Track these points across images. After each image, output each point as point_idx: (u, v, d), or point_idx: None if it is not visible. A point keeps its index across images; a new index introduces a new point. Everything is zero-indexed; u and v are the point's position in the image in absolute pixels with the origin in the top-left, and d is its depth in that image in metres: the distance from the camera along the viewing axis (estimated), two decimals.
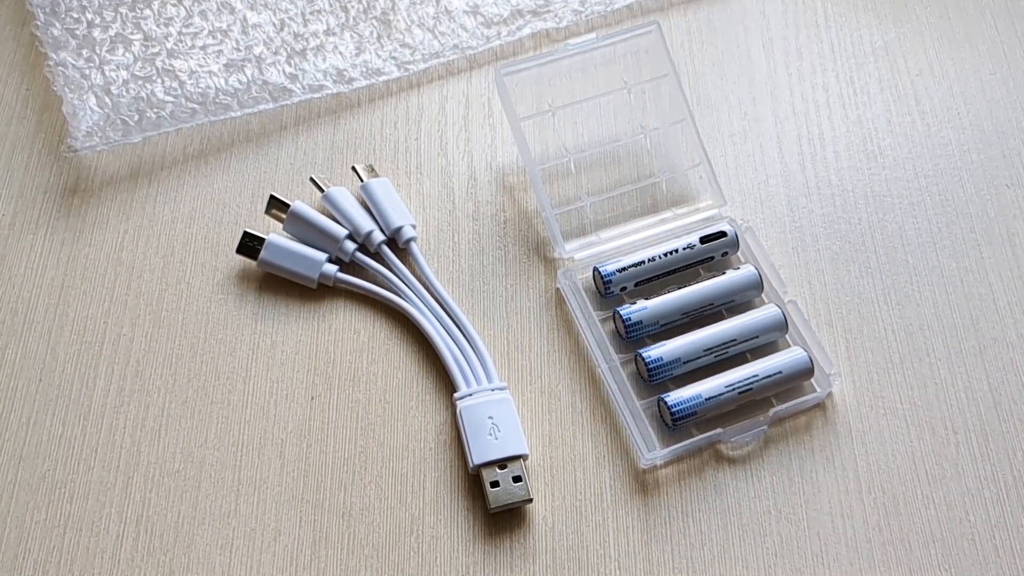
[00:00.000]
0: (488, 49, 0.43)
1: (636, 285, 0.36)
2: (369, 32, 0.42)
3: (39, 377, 0.36)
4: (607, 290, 0.36)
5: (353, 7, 0.43)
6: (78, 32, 0.41)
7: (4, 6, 0.44)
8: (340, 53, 0.42)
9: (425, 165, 0.40)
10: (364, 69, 0.42)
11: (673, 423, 0.33)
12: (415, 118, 0.41)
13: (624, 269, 0.36)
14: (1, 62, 0.43)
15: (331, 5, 0.43)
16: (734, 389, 0.34)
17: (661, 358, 0.34)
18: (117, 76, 0.40)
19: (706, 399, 0.34)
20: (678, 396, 0.34)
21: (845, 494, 0.33)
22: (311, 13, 0.43)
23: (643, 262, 0.36)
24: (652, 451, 0.33)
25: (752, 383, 0.34)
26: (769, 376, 0.34)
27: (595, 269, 0.37)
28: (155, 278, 0.38)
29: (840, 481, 0.34)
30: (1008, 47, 0.43)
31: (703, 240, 0.37)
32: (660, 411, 0.34)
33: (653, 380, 0.34)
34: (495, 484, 0.33)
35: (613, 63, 0.39)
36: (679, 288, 0.36)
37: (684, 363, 0.34)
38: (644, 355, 0.34)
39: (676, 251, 0.37)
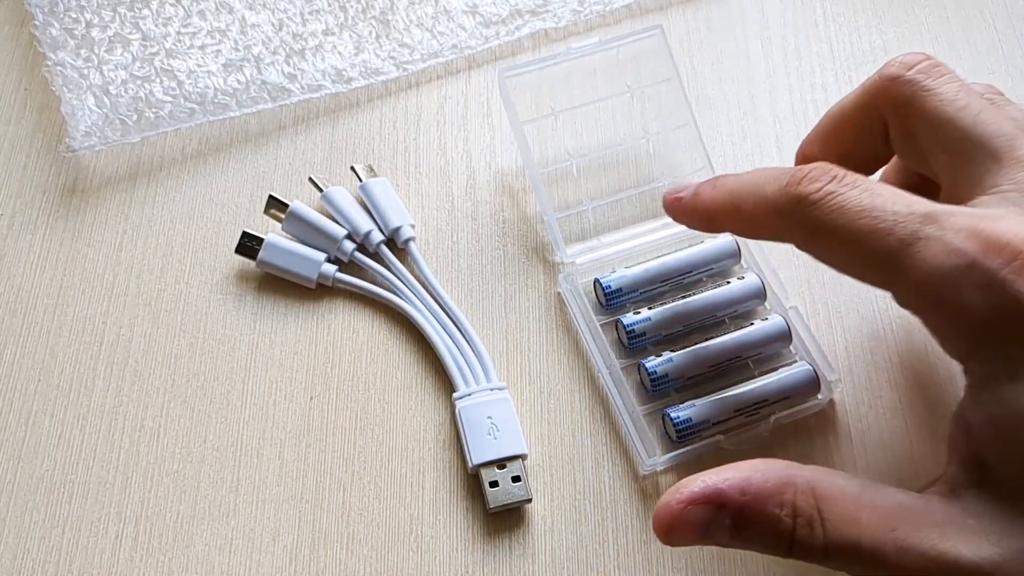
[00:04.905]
0: (487, 49, 0.43)
1: (638, 294, 0.36)
2: (368, 32, 0.42)
3: (38, 377, 0.35)
4: (608, 301, 0.36)
5: (352, 7, 0.43)
6: (76, 32, 0.41)
7: (3, 6, 0.44)
8: (339, 53, 0.42)
9: (424, 165, 0.40)
10: (363, 69, 0.42)
11: (678, 437, 0.33)
12: (414, 118, 0.41)
13: (626, 281, 0.36)
14: None
15: (330, 5, 0.43)
16: (742, 413, 0.34)
17: (667, 374, 0.34)
18: (116, 76, 0.40)
19: (713, 424, 0.33)
20: (683, 414, 0.33)
21: None
22: (310, 13, 0.42)
23: (646, 272, 0.36)
24: (652, 458, 0.33)
25: (761, 406, 0.34)
26: (778, 401, 0.34)
27: (596, 281, 0.36)
28: (154, 278, 0.38)
29: None
30: (1007, 47, 0.43)
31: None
32: (664, 423, 0.34)
33: (656, 390, 0.34)
34: (494, 484, 0.33)
35: (616, 66, 0.39)
36: (682, 297, 0.36)
37: (688, 377, 0.34)
38: (647, 366, 0.34)
39: (681, 271, 0.37)
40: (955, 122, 0.28)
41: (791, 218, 0.28)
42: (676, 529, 0.26)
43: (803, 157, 0.34)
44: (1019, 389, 0.25)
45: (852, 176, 0.27)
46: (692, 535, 0.26)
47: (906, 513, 0.25)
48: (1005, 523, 0.24)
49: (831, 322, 0.37)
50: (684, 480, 0.26)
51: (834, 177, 0.27)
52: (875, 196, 0.27)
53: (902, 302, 0.27)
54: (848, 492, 0.25)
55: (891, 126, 0.31)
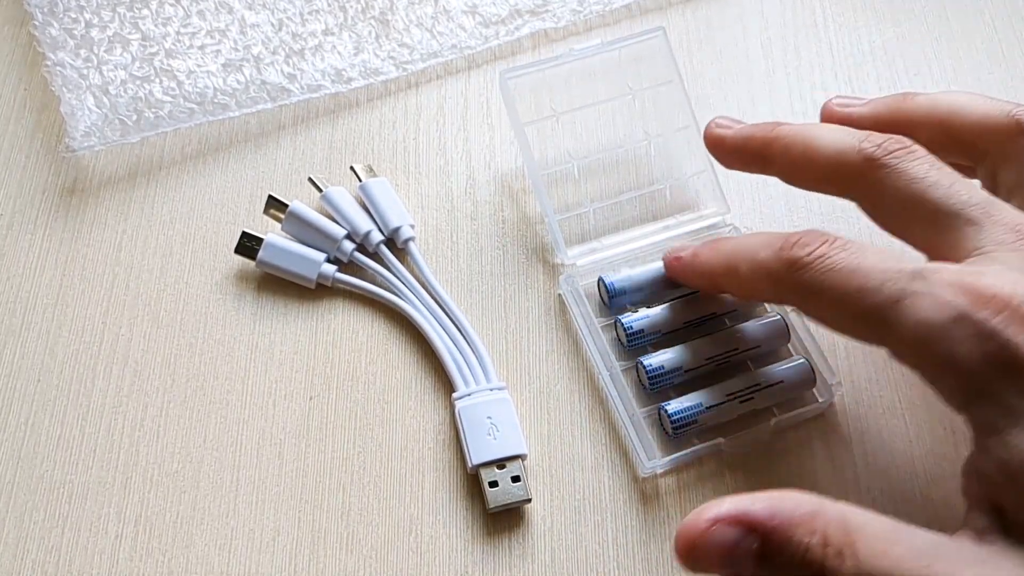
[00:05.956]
0: (487, 49, 0.43)
1: (641, 295, 0.36)
2: (367, 32, 0.42)
3: (37, 377, 0.35)
4: (612, 302, 0.36)
5: (351, 7, 0.43)
6: (76, 32, 0.41)
7: (2, 6, 0.44)
8: (338, 53, 0.42)
9: (423, 165, 0.40)
10: (362, 69, 0.42)
11: (673, 431, 0.33)
12: (413, 118, 0.41)
13: (629, 281, 0.36)
14: None
15: (329, 5, 0.43)
16: (736, 398, 0.34)
17: (662, 366, 0.34)
18: (115, 76, 0.40)
19: (707, 407, 0.33)
20: (679, 404, 0.34)
21: (844, 494, 0.33)
22: (309, 13, 0.42)
23: (648, 273, 0.36)
24: (652, 460, 0.33)
25: (754, 392, 0.34)
26: (771, 386, 0.34)
27: (600, 280, 0.36)
28: (153, 278, 0.38)
29: (839, 481, 0.34)
30: (1006, 47, 0.43)
31: None
32: (660, 419, 0.34)
33: (653, 388, 0.34)
34: (494, 484, 0.33)
35: (617, 68, 0.38)
36: (682, 297, 0.36)
37: (685, 372, 0.34)
38: (645, 363, 0.34)
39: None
40: (927, 196, 0.29)
41: (784, 282, 0.29)
42: (700, 550, 0.25)
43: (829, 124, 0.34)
44: (1022, 434, 0.25)
45: (843, 239, 0.29)
46: (716, 558, 0.25)
47: (940, 550, 0.24)
48: None
49: None
50: (711, 501, 0.25)
51: (824, 241, 0.29)
52: (865, 256, 0.28)
53: (897, 357, 0.28)
54: (879, 526, 0.25)
55: (864, 201, 0.31)
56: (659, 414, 0.34)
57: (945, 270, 0.27)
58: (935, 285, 0.26)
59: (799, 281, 0.29)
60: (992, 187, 0.32)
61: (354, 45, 0.42)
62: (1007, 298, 0.26)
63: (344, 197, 0.38)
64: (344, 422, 0.35)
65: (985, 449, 0.26)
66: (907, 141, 0.30)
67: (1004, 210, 0.29)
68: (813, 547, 0.24)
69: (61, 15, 0.42)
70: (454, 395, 0.35)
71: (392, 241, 0.38)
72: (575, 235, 0.38)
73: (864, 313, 0.27)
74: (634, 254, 0.37)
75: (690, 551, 0.25)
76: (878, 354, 0.36)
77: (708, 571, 0.25)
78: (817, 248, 0.29)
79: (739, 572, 0.25)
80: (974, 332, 0.25)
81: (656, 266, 0.36)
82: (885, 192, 0.30)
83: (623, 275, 0.36)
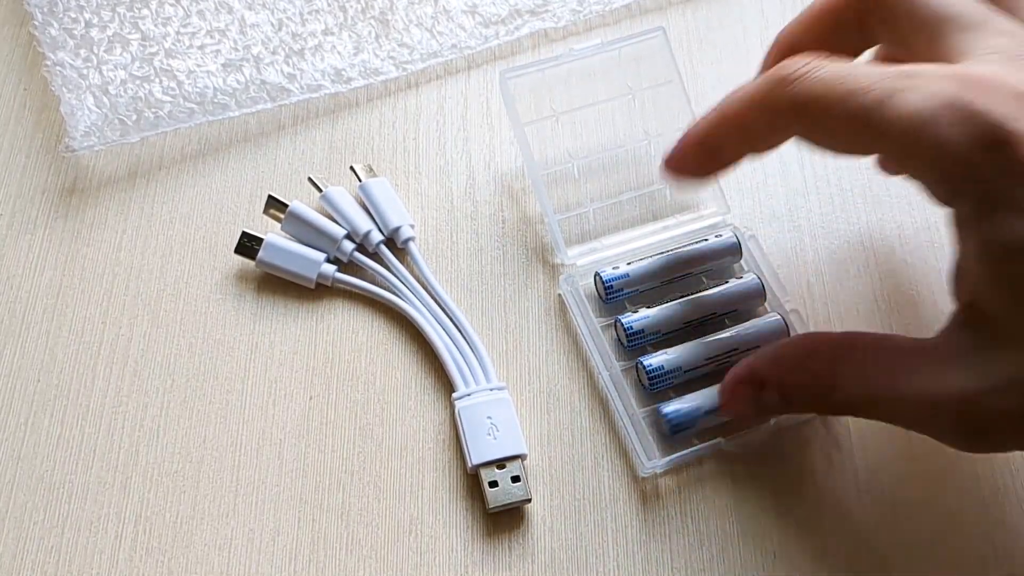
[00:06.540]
0: (486, 49, 0.43)
1: (639, 291, 0.36)
2: (367, 32, 0.42)
3: (37, 378, 0.35)
4: (608, 295, 0.36)
5: (351, 7, 0.43)
6: (76, 32, 0.41)
7: (2, 6, 0.44)
8: (338, 53, 0.42)
9: (423, 165, 0.40)
10: (362, 69, 0.42)
11: (673, 432, 0.33)
12: (413, 118, 0.41)
13: (626, 275, 0.36)
14: None
15: (329, 5, 0.43)
16: None
17: (662, 366, 0.34)
18: (115, 76, 0.40)
19: (705, 412, 0.33)
20: (678, 405, 0.33)
21: (844, 494, 0.33)
22: (309, 13, 0.42)
23: (646, 268, 0.36)
24: (652, 460, 0.33)
25: None
26: None
27: (597, 274, 0.36)
28: (153, 278, 0.38)
29: (839, 481, 0.34)
30: None
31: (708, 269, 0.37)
32: (659, 423, 0.34)
33: (653, 388, 0.34)
34: (493, 484, 0.33)
35: (617, 68, 0.38)
36: (682, 296, 0.36)
37: (685, 372, 0.34)
38: (645, 363, 0.34)
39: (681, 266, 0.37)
40: (929, 3, 0.29)
41: (776, 101, 0.29)
42: (731, 407, 0.32)
43: (783, 45, 0.34)
44: (1001, 221, 0.25)
45: (828, 56, 0.28)
46: (747, 409, 0.31)
47: (904, 358, 0.28)
48: (991, 352, 0.26)
49: (831, 322, 0.37)
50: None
51: (811, 59, 0.28)
52: (853, 66, 0.28)
53: (891, 157, 0.28)
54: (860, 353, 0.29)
55: (872, 14, 0.31)
56: (657, 418, 0.34)
57: (935, 66, 0.27)
58: (925, 78, 0.26)
59: (790, 95, 0.28)
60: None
61: (354, 45, 0.42)
62: (999, 82, 0.25)
63: (344, 197, 0.38)
64: (344, 422, 0.35)
65: (964, 240, 0.26)
66: None
67: (1000, 20, 0.28)
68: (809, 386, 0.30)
69: (61, 15, 0.42)
70: (454, 395, 0.35)
71: (392, 241, 0.38)
72: (575, 235, 0.38)
73: (854, 115, 0.27)
74: (634, 254, 0.37)
75: (727, 405, 0.32)
76: None
77: (746, 415, 0.33)
78: (804, 64, 0.28)
79: (772, 412, 0.32)
80: (962, 115, 0.25)
81: (652, 261, 0.36)
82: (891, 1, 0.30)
83: (620, 269, 0.36)
